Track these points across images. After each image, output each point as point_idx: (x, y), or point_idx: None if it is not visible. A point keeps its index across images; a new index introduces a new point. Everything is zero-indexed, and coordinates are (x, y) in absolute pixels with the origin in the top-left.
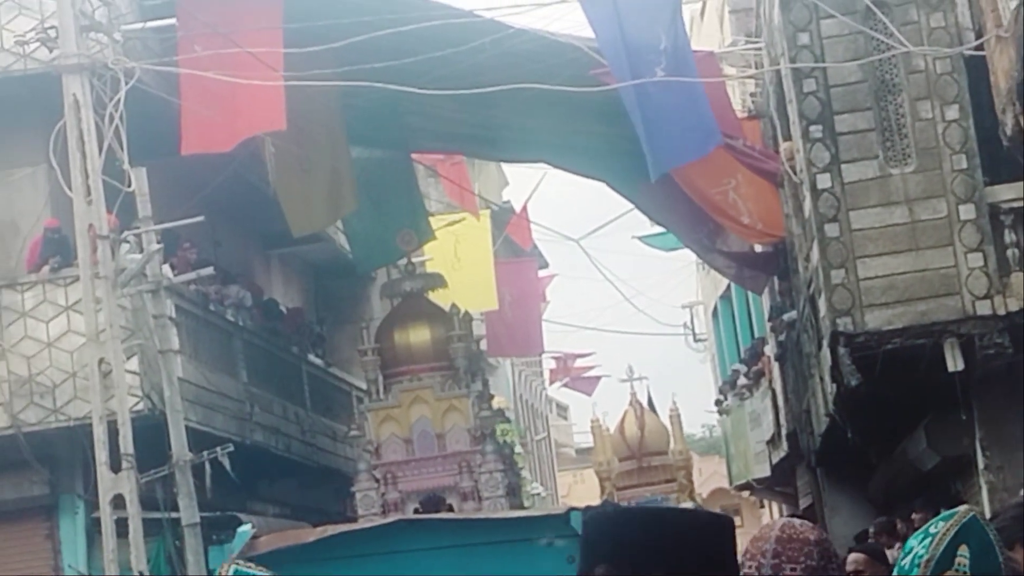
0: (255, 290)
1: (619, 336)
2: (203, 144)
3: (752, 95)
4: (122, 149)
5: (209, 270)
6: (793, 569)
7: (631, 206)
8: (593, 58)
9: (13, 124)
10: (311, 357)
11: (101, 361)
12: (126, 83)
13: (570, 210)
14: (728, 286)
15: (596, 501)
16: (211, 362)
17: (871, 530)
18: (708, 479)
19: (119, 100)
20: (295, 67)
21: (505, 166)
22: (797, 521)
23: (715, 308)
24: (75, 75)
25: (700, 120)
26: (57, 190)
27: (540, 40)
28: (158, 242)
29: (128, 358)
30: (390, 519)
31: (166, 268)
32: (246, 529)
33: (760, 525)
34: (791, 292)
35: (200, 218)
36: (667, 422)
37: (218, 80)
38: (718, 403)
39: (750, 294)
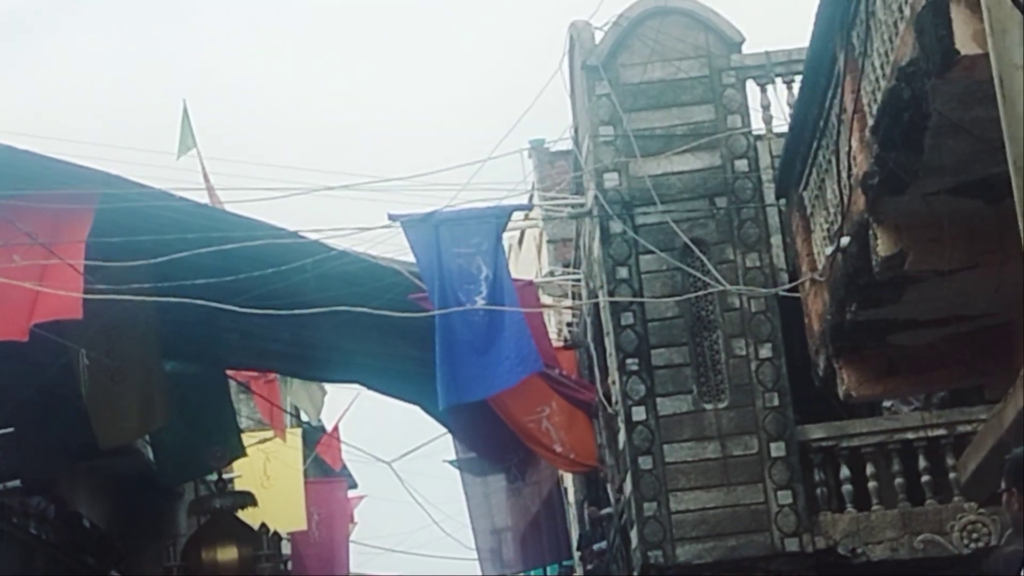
0: (60, 502)
1: (429, 560)
2: (2, 334)
3: (569, 325)
4: None
5: (16, 482)
6: None
7: (444, 430)
8: (413, 282)
9: None
10: (113, 573)
11: None
12: None
13: (383, 432)
14: None
15: None
16: None
17: None
18: None
19: None
20: (112, 279)
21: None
22: None
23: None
24: None
25: (517, 348)
26: None
27: (361, 262)
28: None
29: None
30: None
31: None
32: None
33: None
34: (601, 522)
35: (10, 430)
36: None
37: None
38: None
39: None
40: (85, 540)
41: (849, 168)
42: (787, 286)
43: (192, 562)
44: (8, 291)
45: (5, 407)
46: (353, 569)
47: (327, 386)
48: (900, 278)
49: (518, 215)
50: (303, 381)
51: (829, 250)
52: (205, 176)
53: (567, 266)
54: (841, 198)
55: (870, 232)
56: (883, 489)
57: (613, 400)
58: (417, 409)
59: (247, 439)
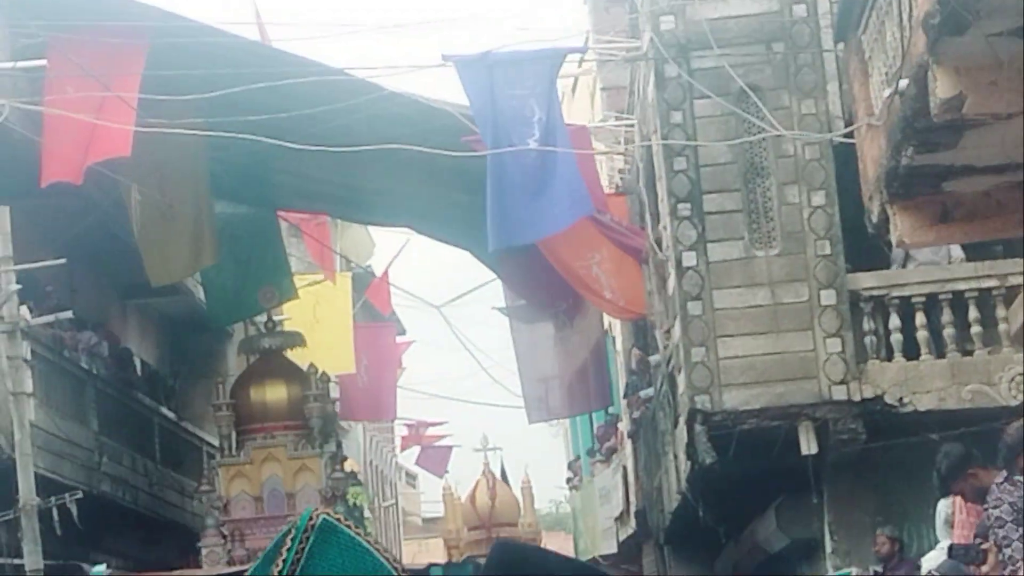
0: (111, 339)
1: (475, 406)
2: (58, 174)
3: (620, 172)
4: None
5: (68, 314)
6: None
7: (493, 276)
8: (465, 125)
9: None
10: (163, 410)
11: None
12: None
13: (433, 277)
14: None
15: None
16: (62, 408)
17: None
18: None
19: None
20: (164, 115)
21: (373, 230)
22: None
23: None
24: None
25: (569, 191)
26: None
27: (413, 104)
28: (17, 283)
29: None
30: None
31: (23, 310)
32: (100, 569)
33: None
34: (648, 368)
35: (62, 261)
36: (519, 494)
37: (80, 119)
38: (569, 480)
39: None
40: (135, 377)
41: (910, 9)
42: (843, 131)
43: (241, 400)
44: (63, 130)
45: (58, 241)
46: (400, 413)
47: (375, 236)
48: (958, 121)
49: (572, 63)
50: (352, 229)
51: (887, 93)
52: (257, 14)
53: (620, 113)
54: (901, 40)
55: (929, 74)
56: (932, 339)
57: (664, 246)
58: (467, 255)
59: (297, 281)
